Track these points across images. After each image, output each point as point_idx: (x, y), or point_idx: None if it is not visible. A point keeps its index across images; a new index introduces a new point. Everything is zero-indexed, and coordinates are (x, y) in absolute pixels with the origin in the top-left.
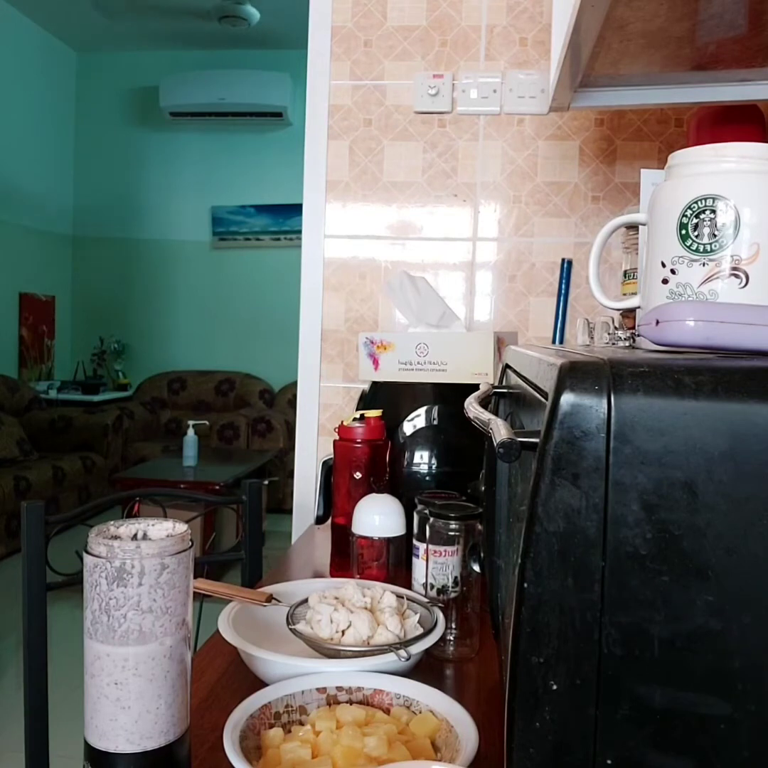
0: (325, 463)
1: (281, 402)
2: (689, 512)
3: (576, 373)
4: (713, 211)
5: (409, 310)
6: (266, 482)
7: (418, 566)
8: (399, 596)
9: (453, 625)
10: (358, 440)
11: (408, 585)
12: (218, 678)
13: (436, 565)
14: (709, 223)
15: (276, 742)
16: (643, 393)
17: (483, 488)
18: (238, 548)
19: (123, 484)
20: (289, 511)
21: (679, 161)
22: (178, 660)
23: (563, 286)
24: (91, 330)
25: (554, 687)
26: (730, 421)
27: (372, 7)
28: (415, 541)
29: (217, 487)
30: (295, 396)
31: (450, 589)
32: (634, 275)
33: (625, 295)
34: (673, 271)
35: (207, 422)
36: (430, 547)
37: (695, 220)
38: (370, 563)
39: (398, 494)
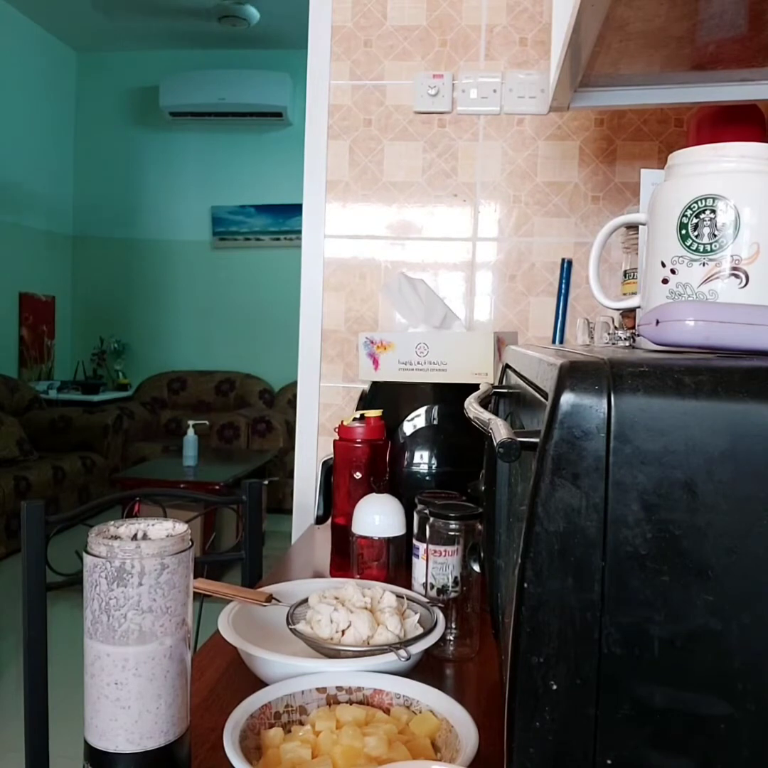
0: (325, 463)
1: (281, 402)
2: (689, 512)
3: (576, 373)
4: (713, 211)
5: (409, 310)
6: (266, 482)
7: (418, 566)
8: (399, 596)
9: (453, 625)
10: (358, 440)
11: (408, 585)
12: (218, 678)
13: (436, 565)
14: (709, 223)
15: (276, 742)
16: (643, 393)
17: (483, 488)
18: (238, 548)
19: (123, 484)
20: (289, 511)
21: (679, 161)
22: (178, 660)
23: (563, 286)
24: (91, 330)
25: (554, 687)
26: (730, 421)
27: (372, 7)
28: (415, 541)
29: (217, 487)
30: (295, 396)
31: (450, 589)
32: (634, 275)
33: (625, 295)
34: (673, 271)
35: (207, 422)
36: (430, 547)
37: (695, 220)
38: (370, 563)
39: (398, 494)
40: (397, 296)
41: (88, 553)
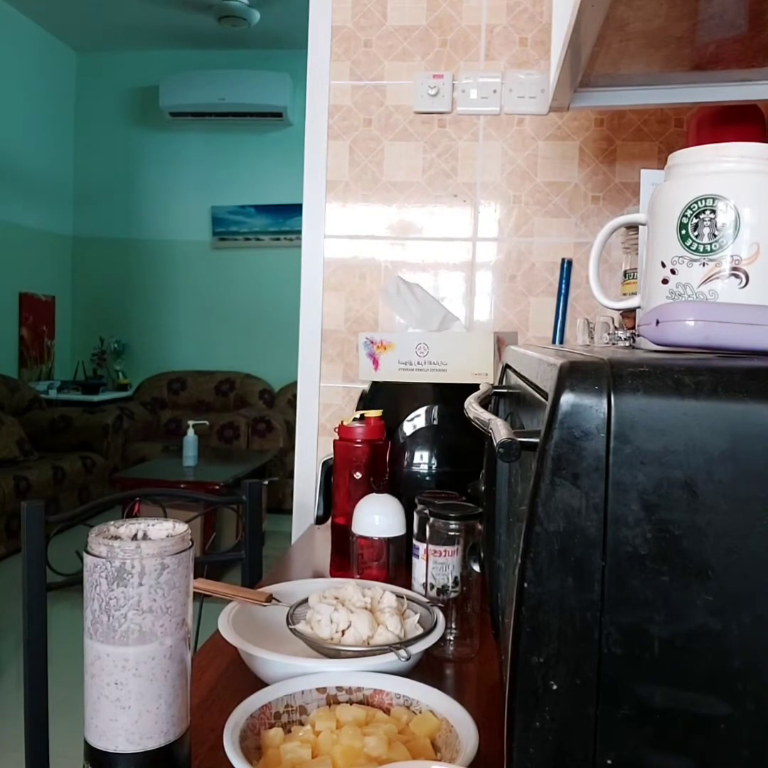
0: (325, 463)
1: (281, 402)
2: (689, 512)
3: (576, 373)
4: (713, 211)
5: (408, 312)
6: (266, 482)
7: (418, 566)
8: (399, 596)
9: (453, 625)
10: (358, 440)
11: (408, 585)
12: (218, 678)
13: (436, 565)
14: (709, 223)
15: (276, 742)
16: (643, 393)
17: (483, 488)
18: (238, 548)
19: (123, 484)
20: (289, 511)
21: (679, 161)
22: (178, 660)
23: (563, 286)
24: (91, 330)
25: (554, 687)
26: (730, 421)
27: (372, 7)
28: (415, 541)
29: (217, 487)
30: (295, 396)
31: (450, 589)
32: (634, 275)
33: (625, 295)
34: (673, 271)
35: (207, 422)
36: (430, 547)
37: (695, 220)
38: (370, 563)
39: (398, 494)
40: (395, 299)
41: (88, 553)
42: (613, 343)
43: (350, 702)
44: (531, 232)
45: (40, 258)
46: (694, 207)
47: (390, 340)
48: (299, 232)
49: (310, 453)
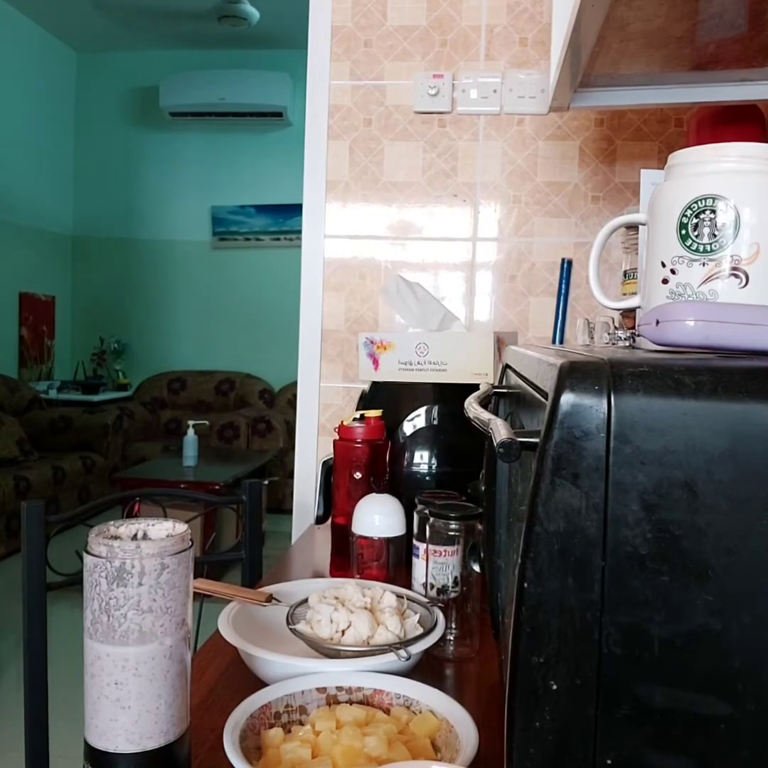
0: (325, 463)
1: (281, 402)
2: (689, 512)
3: (576, 373)
4: (713, 211)
5: (408, 312)
6: (266, 482)
7: (418, 566)
8: (399, 596)
9: (453, 625)
10: (358, 440)
11: (408, 585)
12: (218, 678)
13: (436, 565)
14: (709, 223)
15: (276, 742)
16: (643, 393)
17: (483, 488)
18: (238, 548)
19: (123, 484)
20: (289, 511)
21: (679, 161)
22: (178, 660)
23: (563, 286)
24: (91, 330)
25: (554, 687)
26: (730, 421)
27: (372, 7)
28: (415, 541)
29: (217, 487)
30: (295, 396)
31: (450, 589)
32: (634, 275)
33: (625, 295)
34: (673, 271)
35: (207, 422)
36: (430, 547)
37: (695, 220)
38: (370, 563)
39: (398, 494)
40: (395, 298)
41: (88, 553)
42: (613, 343)
43: (350, 702)
44: (531, 232)
45: (40, 258)
46: (694, 207)
47: (390, 340)
48: (299, 232)
49: (310, 453)
